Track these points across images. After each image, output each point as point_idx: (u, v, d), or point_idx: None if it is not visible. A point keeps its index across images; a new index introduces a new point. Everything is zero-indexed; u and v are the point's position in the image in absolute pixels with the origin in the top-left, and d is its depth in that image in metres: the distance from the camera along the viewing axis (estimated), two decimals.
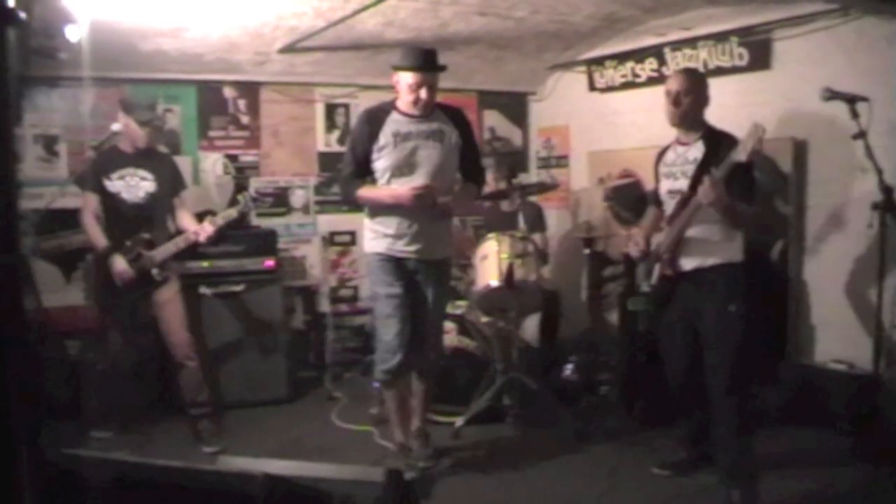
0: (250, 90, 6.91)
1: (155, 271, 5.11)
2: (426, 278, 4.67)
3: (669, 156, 4.45)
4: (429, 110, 4.56)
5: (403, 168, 4.52)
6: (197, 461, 3.83)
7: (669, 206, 4.34)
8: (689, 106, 4.26)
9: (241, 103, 6.89)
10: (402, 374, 4.73)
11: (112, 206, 5.13)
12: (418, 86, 4.44)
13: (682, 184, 4.26)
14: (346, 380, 6.59)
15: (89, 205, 5.15)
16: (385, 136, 4.52)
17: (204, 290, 5.92)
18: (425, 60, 4.50)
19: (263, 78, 6.83)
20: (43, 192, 5.57)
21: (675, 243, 4.23)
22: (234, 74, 6.66)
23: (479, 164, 4.89)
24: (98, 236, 5.11)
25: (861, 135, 3.50)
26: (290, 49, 6.10)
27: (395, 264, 4.62)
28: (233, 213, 5.26)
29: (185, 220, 5.33)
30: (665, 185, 4.42)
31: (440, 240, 4.69)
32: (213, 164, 6.76)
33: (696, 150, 4.25)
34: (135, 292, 5.12)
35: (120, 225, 5.12)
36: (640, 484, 4.51)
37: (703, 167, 4.09)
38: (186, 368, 5.24)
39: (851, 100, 3.60)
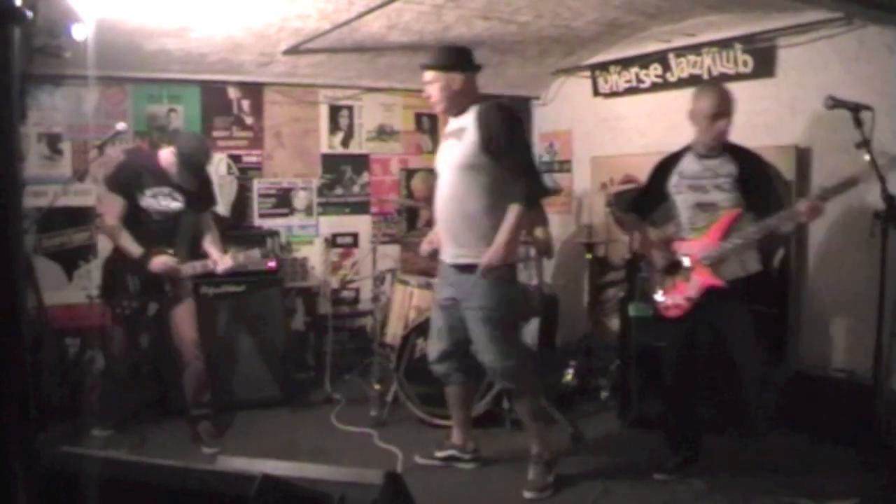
0: (254, 91, 6.92)
1: (168, 287, 5.15)
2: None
3: (691, 167, 4.42)
4: (443, 108, 4.54)
5: (438, 168, 4.60)
6: (195, 461, 3.84)
7: (698, 217, 4.35)
8: (726, 126, 4.28)
9: (245, 104, 6.90)
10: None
11: (137, 217, 5.10)
12: (426, 84, 4.53)
13: (717, 197, 4.29)
14: (345, 382, 6.58)
15: (115, 210, 5.08)
16: None
17: (205, 290, 5.92)
18: (428, 58, 4.57)
19: (267, 79, 6.84)
20: (46, 190, 5.59)
21: (725, 256, 4.26)
22: (238, 75, 6.67)
23: (518, 166, 4.36)
24: (130, 245, 5.05)
25: (864, 143, 3.50)
26: (294, 51, 6.10)
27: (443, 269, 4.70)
28: (256, 256, 5.34)
29: (210, 244, 5.39)
30: (691, 198, 4.38)
31: (464, 241, 4.46)
32: (216, 164, 6.76)
33: (727, 165, 4.29)
34: (146, 298, 5.14)
35: (143, 238, 5.09)
36: (636, 489, 4.52)
37: (744, 182, 4.22)
38: (192, 367, 5.25)
39: (855, 108, 3.60)
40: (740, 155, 4.33)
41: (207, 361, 5.36)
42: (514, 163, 4.33)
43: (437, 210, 4.56)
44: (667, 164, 4.55)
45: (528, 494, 4.45)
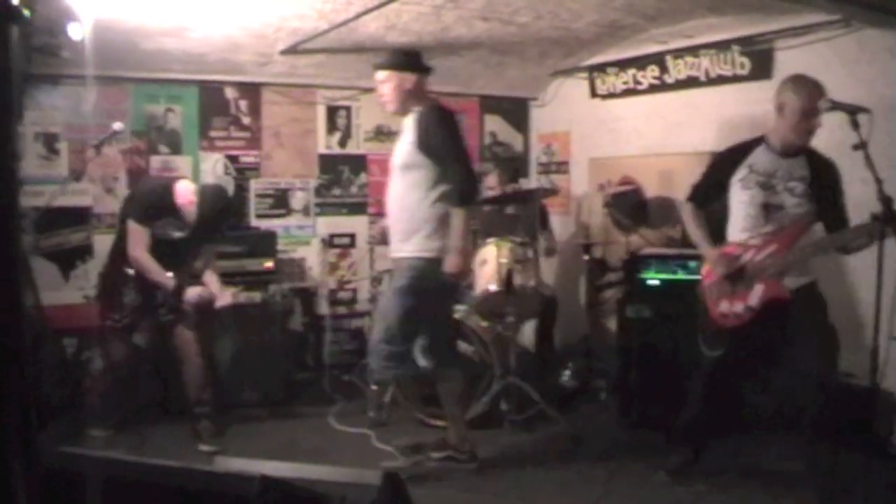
0: (252, 91, 6.92)
1: (163, 310, 5.19)
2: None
3: (764, 164, 4.08)
4: (395, 108, 4.72)
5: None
6: (194, 462, 3.83)
7: (764, 219, 4.06)
8: (817, 125, 3.99)
9: (243, 104, 6.89)
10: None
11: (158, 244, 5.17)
12: (379, 83, 4.71)
13: (786, 200, 4.02)
14: (343, 382, 6.58)
15: (143, 241, 5.09)
16: None
17: None
18: (382, 58, 4.79)
19: (265, 79, 6.83)
20: (43, 190, 5.58)
21: (792, 266, 4.01)
22: (236, 75, 6.66)
23: (453, 166, 4.52)
24: (161, 274, 5.09)
25: (861, 146, 3.49)
26: (292, 51, 6.10)
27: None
28: (256, 299, 5.52)
29: (209, 275, 5.48)
30: (759, 196, 4.06)
31: (402, 236, 4.65)
32: (213, 164, 6.76)
33: (802, 168, 4.03)
34: (136, 316, 5.20)
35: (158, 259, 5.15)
36: (636, 490, 4.52)
37: (815, 190, 3.98)
38: (192, 365, 5.27)
39: (852, 111, 3.58)
40: (816, 160, 4.06)
41: (207, 359, 5.38)
42: (450, 163, 4.51)
43: (389, 206, 4.76)
44: (735, 154, 4.21)
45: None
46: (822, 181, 4.00)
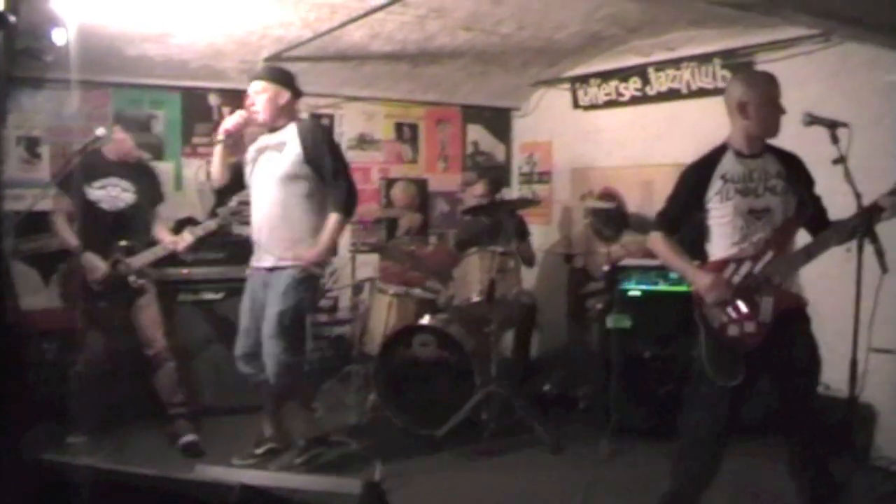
0: (235, 98, 6.87)
1: (132, 278, 5.15)
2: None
3: (737, 170, 3.82)
4: (265, 120, 4.86)
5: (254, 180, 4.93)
6: (173, 467, 3.79)
7: (754, 227, 3.77)
8: (771, 116, 3.80)
9: (226, 111, 6.86)
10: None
11: (90, 214, 5.16)
12: (255, 93, 4.85)
13: (770, 201, 3.78)
14: (324, 390, 6.56)
15: (63, 207, 5.22)
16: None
17: (183, 297, 5.91)
18: (261, 71, 5.01)
19: (248, 86, 6.81)
20: (24, 194, 5.53)
21: (795, 270, 3.80)
22: (220, 82, 6.65)
23: (337, 178, 4.82)
24: (71, 237, 5.17)
25: (841, 160, 3.51)
26: (275, 58, 6.10)
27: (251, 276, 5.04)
28: (212, 225, 5.30)
29: (162, 232, 5.39)
30: (741, 204, 3.78)
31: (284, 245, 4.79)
32: (195, 170, 6.74)
33: (774, 164, 3.82)
34: (112, 297, 5.15)
35: (99, 232, 5.14)
36: (616, 498, 4.53)
37: (796, 182, 3.79)
38: (163, 368, 5.27)
39: (831, 125, 3.59)
40: (783, 154, 3.87)
41: (178, 363, 5.38)
42: (334, 174, 4.80)
43: (255, 217, 4.90)
44: (703, 170, 3.92)
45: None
46: (797, 174, 3.85)
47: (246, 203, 5.19)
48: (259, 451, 5.08)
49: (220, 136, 4.94)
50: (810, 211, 3.84)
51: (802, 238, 3.83)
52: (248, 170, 4.95)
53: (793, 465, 3.84)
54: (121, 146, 5.22)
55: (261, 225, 4.85)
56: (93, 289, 5.09)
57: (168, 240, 5.26)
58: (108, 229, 5.15)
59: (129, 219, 5.23)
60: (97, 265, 5.08)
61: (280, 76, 4.89)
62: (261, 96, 4.79)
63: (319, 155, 4.78)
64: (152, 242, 5.30)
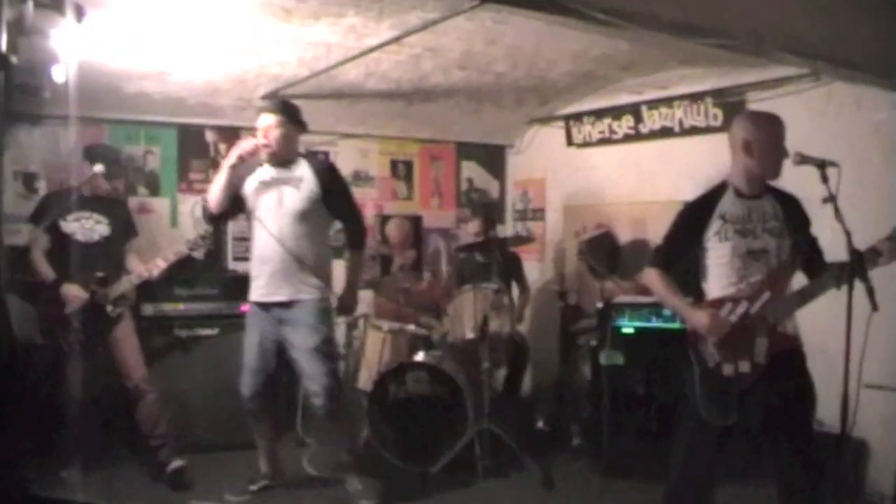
0: (231, 134, 6.91)
1: (109, 308, 5.17)
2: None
3: (736, 210, 3.82)
4: (276, 153, 4.83)
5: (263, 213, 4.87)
6: (165, 502, 3.77)
7: (751, 268, 3.76)
8: (773, 160, 3.80)
9: (222, 147, 6.91)
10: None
11: (65, 247, 5.17)
12: (267, 127, 4.80)
13: (768, 243, 3.79)
14: (318, 426, 6.54)
15: (39, 243, 5.22)
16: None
17: (178, 332, 5.93)
18: (276, 105, 4.97)
19: (245, 123, 6.84)
20: (20, 229, 5.56)
21: (793, 309, 3.76)
22: (216, 119, 6.71)
23: (353, 217, 5.17)
24: (47, 270, 5.18)
25: (831, 199, 3.53)
26: (272, 96, 6.15)
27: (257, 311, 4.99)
28: (182, 250, 5.31)
29: (135, 263, 5.41)
30: (739, 245, 3.77)
31: (295, 280, 4.83)
32: (191, 207, 6.77)
33: (773, 206, 3.82)
34: (90, 328, 5.14)
35: (73, 265, 5.15)
36: None
37: (793, 224, 3.81)
38: (144, 401, 5.24)
39: (821, 164, 3.61)
40: (782, 196, 3.88)
41: (159, 394, 5.36)
42: (349, 211, 5.09)
43: (263, 251, 4.86)
44: (702, 208, 3.89)
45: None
46: (795, 215, 3.86)
47: (206, 237, 5.29)
48: (254, 487, 5.08)
49: (233, 159, 4.83)
50: (806, 254, 3.85)
51: (799, 279, 3.86)
52: (252, 202, 4.92)
53: None
54: (95, 183, 5.27)
55: (270, 258, 4.82)
56: (71, 321, 5.08)
57: (141, 268, 5.27)
58: (82, 261, 5.16)
59: (104, 250, 5.27)
60: (76, 294, 5.09)
61: (293, 111, 4.91)
62: (275, 130, 4.79)
63: (335, 193, 4.92)
64: (127, 274, 5.31)
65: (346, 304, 5.13)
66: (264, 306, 4.89)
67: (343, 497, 5.05)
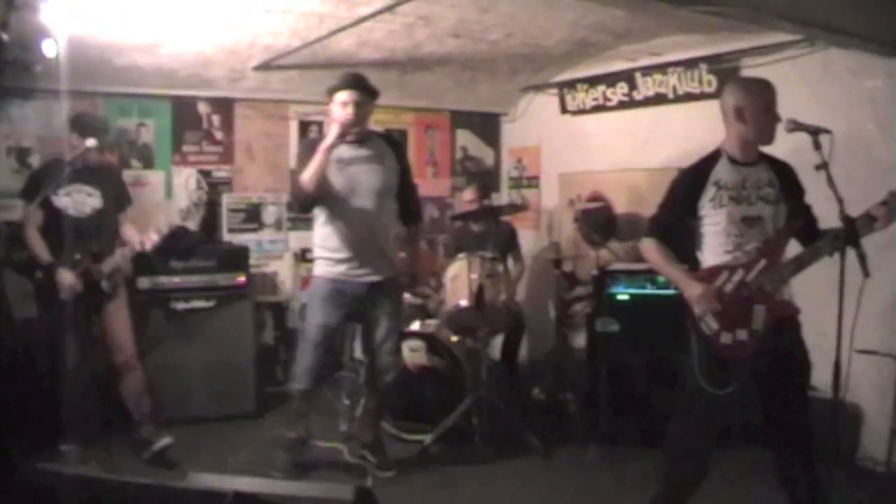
0: (224, 106, 6.93)
1: (104, 283, 5.09)
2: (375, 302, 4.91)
3: (730, 177, 3.82)
4: (357, 132, 4.70)
5: (346, 191, 4.74)
6: (163, 476, 3.78)
7: (747, 234, 3.77)
8: (767, 125, 3.79)
9: (215, 119, 6.90)
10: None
11: (57, 222, 5.06)
12: (352, 103, 4.63)
13: (763, 210, 3.80)
14: (315, 396, 6.58)
15: (32, 219, 5.10)
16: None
17: (174, 305, 5.94)
18: (358, 80, 4.74)
19: (238, 94, 6.85)
20: (15, 204, 5.56)
21: (789, 276, 3.75)
22: (209, 90, 6.68)
23: (414, 189, 5.15)
24: (42, 250, 5.06)
25: (823, 166, 3.52)
26: (264, 67, 6.14)
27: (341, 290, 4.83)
28: (175, 221, 5.34)
29: (130, 233, 5.30)
30: (734, 212, 3.78)
31: (384, 258, 4.84)
32: (185, 178, 6.77)
33: (767, 172, 3.84)
34: (86, 305, 5.07)
35: (66, 240, 5.04)
36: (604, 503, 4.56)
37: (787, 191, 3.82)
38: (131, 376, 5.20)
39: (814, 132, 3.60)
40: (775, 163, 3.90)
41: (145, 368, 5.32)
42: (413, 189, 5.11)
43: (352, 230, 4.74)
44: (697, 176, 3.89)
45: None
46: (789, 182, 3.87)
47: (198, 204, 5.24)
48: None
49: (332, 140, 4.55)
50: (801, 221, 3.86)
51: (793, 246, 3.87)
52: (334, 181, 4.70)
53: (782, 472, 3.83)
54: (77, 152, 5.04)
55: (361, 237, 4.73)
56: (66, 299, 4.98)
57: (135, 240, 5.16)
58: (76, 235, 5.06)
59: (97, 223, 5.17)
60: (70, 282, 4.95)
61: (367, 83, 4.76)
62: (360, 108, 4.65)
63: (406, 169, 4.99)
64: (121, 246, 5.23)
65: (415, 279, 5.30)
66: (349, 283, 4.79)
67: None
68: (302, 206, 4.97)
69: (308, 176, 4.56)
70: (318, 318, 4.83)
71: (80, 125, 5.14)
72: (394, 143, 5.00)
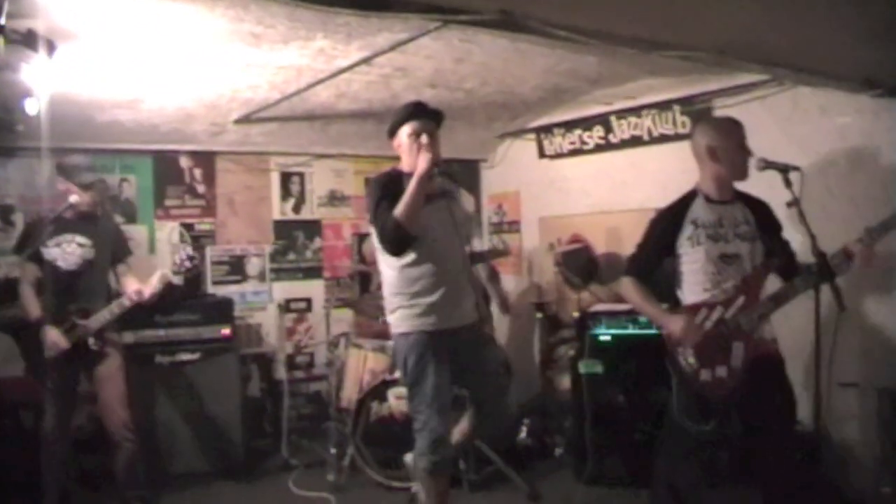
0: (206, 160, 6.99)
1: (91, 340, 4.92)
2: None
3: (706, 215, 3.90)
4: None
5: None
6: None
7: (724, 272, 3.84)
8: (739, 162, 3.91)
9: (197, 172, 6.96)
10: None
11: (48, 274, 4.95)
12: (432, 139, 4.14)
13: (740, 247, 3.88)
14: (302, 447, 6.57)
15: (28, 274, 5.01)
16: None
17: (160, 359, 5.93)
18: (432, 112, 4.28)
19: (219, 147, 6.91)
20: None
21: (768, 314, 3.84)
22: (190, 144, 6.74)
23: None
24: (32, 306, 4.95)
25: (795, 202, 3.60)
26: (245, 120, 6.20)
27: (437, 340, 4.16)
28: (168, 274, 5.11)
29: (130, 285, 5.09)
30: (711, 250, 3.84)
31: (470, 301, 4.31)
32: (168, 233, 6.81)
33: (742, 210, 3.94)
34: (73, 364, 4.96)
35: (56, 294, 4.93)
36: None
37: (764, 227, 3.91)
38: (123, 449, 5.02)
39: (784, 169, 3.68)
40: (751, 200, 3.99)
41: (140, 437, 5.14)
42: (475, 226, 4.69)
43: (441, 273, 4.13)
44: (674, 215, 3.98)
45: None
46: (765, 220, 3.95)
47: (194, 257, 5.14)
48: None
49: (424, 169, 3.91)
50: (779, 258, 3.93)
51: (773, 282, 3.93)
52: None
53: None
54: (74, 199, 4.96)
55: (446, 280, 4.14)
56: (54, 357, 4.85)
57: (132, 290, 4.98)
58: (65, 289, 4.95)
59: (88, 276, 5.03)
60: (55, 341, 4.84)
61: (440, 113, 4.30)
62: (438, 143, 4.16)
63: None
64: (117, 298, 5.07)
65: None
66: (440, 333, 4.13)
67: None
68: (400, 247, 4.03)
69: (404, 210, 3.88)
70: (429, 383, 4.10)
71: (66, 169, 5.06)
72: (450, 172, 4.37)
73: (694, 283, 3.92)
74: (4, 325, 5.53)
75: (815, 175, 3.82)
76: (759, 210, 3.98)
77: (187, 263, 5.18)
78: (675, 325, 3.86)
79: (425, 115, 4.20)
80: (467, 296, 4.25)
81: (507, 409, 4.41)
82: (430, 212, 4.06)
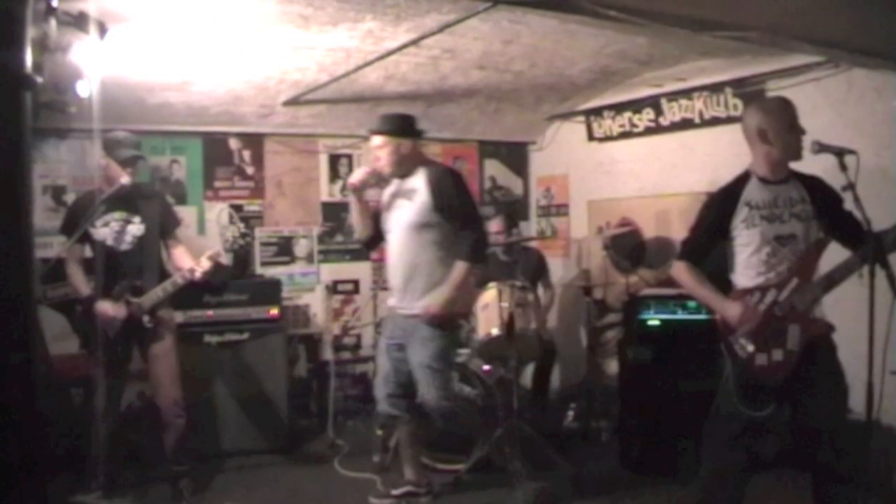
0: (255, 141, 7.03)
1: (146, 318, 4.94)
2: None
3: (761, 196, 3.82)
4: (391, 172, 4.88)
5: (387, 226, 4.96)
6: None
7: (779, 253, 3.77)
8: (794, 143, 3.82)
9: (246, 154, 7.00)
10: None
11: (99, 254, 4.96)
12: (375, 148, 4.86)
13: (795, 227, 3.78)
14: (348, 428, 6.61)
15: (74, 254, 5.04)
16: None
17: (208, 339, 5.99)
18: (378, 124, 4.89)
19: (268, 129, 6.95)
20: (52, 242, 5.66)
21: (822, 294, 3.73)
22: (239, 126, 6.79)
23: (467, 225, 4.78)
24: (80, 284, 4.99)
25: (850, 187, 3.52)
26: (293, 102, 6.23)
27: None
28: (220, 251, 5.19)
29: (181, 259, 5.16)
30: (767, 231, 3.77)
31: (415, 292, 4.83)
32: (218, 214, 6.86)
33: (798, 189, 3.83)
34: (127, 341, 5.00)
35: (108, 273, 4.94)
36: None
37: (822, 205, 3.79)
38: (173, 426, 5.09)
39: (839, 153, 3.60)
40: (806, 179, 3.87)
41: (188, 415, 5.19)
42: (464, 222, 4.77)
43: (391, 264, 4.96)
44: (728, 197, 3.90)
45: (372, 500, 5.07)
46: (823, 195, 3.82)
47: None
48: (397, 492, 5.08)
49: (349, 189, 5.04)
50: (843, 229, 3.81)
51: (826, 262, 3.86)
52: (384, 216, 4.98)
53: (818, 496, 3.78)
54: (114, 175, 4.95)
55: (395, 272, 4.90)
56: (107, 335, 4.87)
57: (186, 268, 4.99)
58: (119, 268, 4.98)
59: (139, 253, 5.04)
60: (109, 314, 4.88)
61: (397, 127, 4.85)
62: (382, 150, 4.82)
63: (449, 202, 4.74)
64: (170, 276, 5.08)
65: (429, 312, 4.73)
66: (397, 313, 4.96)
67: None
68: (363, 244, 5.46)
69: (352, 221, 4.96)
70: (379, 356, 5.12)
71: (108, 144, 5.03)
72: (431, 175, 4.79)
73: (747, 267, 3.85)
74: (56, 303, 5.61)
75: (870, 159, 3.72)
76: (816, 187, 3.86)
77: (240, 241, 5.23)
78: (731, 310, 3.80)
79: (384, 131, 4.85)
80: (411, 288, 4.82)
81: (434, 402, 4.84)
82: (388, 210, 4.93)
